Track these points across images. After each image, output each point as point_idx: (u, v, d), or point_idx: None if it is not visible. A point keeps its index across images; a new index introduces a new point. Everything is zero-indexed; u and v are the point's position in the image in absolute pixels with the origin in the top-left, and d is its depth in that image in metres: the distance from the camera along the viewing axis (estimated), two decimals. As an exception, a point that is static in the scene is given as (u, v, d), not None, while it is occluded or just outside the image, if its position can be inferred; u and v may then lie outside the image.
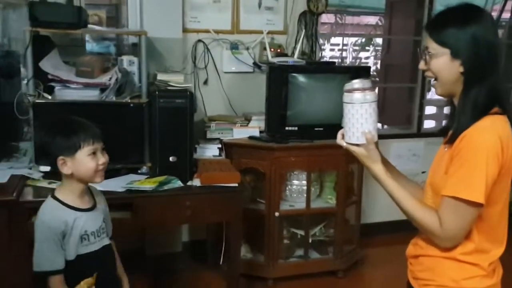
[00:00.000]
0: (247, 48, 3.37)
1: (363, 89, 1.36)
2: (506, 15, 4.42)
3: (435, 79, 1.37)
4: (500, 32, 4.65)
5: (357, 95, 1.35)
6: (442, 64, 1.33)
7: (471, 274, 1.35)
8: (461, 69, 1.31)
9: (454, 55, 1.31)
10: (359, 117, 1.36)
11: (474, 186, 1.24)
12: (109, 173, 2.62)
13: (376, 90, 1.42)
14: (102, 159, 1.69)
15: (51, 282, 1.63)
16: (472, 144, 1.26)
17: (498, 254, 1.39)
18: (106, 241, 1.77)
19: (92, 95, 2.58)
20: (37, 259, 1.62)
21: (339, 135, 1.43)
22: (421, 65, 1.40)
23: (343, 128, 1.42)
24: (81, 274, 1.67)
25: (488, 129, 1.27)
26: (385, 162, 1.45)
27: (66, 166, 1.63)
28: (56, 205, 1.65)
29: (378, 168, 1.39)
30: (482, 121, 1.29)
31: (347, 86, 1.39)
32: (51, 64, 2.57)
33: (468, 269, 1.35)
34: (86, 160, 1.63)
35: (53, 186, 2.38)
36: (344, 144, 1.41)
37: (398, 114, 4.22)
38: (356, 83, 1.38)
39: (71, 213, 1.65)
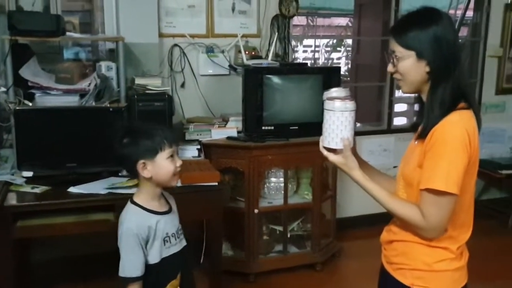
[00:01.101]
0: (223, 51, 3.44)
1: (344, 98, 1.45)
2: (470, 13, 4.62)
3: (402, 79, 1.47)
4: (465, 29, 4.86)
5: (338, 103, 1.42)
6: (409, 66, 1.41)
7: (441, 257, 1.44)
8: (427, 69, 1.39)
9: (420, 56, 1.39)
10: (339, 124, 1.42)
11: (448, 177, 1.31)
12: (91, 176, 2.70)
13: None
14: (179, 161, 1.69)
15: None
16: (443, 139, 1.33)
17: (466, 239, 1.48)
18: (184, 242, 1.78)
19: (72, 100, 2.63)
20: (123, 265, 1.63)
21: (321, 143, 1.50)
22: (390, 68, 1.47)
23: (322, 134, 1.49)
24: (165, 276, 1.69)
25: (457, 124, 1.34)
26: (362, 163, 1.54)
27: (146, 169, 1.63)
28: (138, 210, 1.67)
29: (357, 174, 1.46)
30: (451, 116, 1.36)
31: (327, 94, 1.48)
32: (31, 72, 2.62)
33: (439, 252, 1.44)
34: (165, 163, 1.64)
35: (36, 190, 2.43)
36: (325, 152, 1.48)
37: (369, 112, 4.37)
38: (335, 91, 1.47)
39: (152, 217, 1.66)
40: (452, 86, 1.38)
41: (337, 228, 3.61)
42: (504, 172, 4.18)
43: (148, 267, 1.65)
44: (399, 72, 1.44)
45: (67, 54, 3.19)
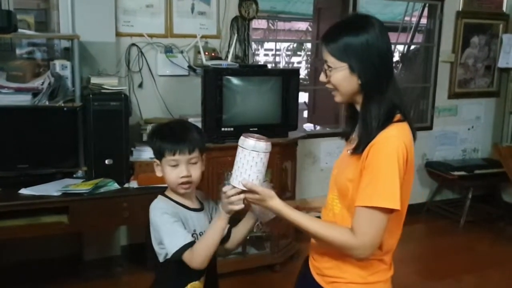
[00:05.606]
0: (182, 52, 3.41)
1: (258, 138, 1.39)
2: (424, 20, 4.78)
3: (335, 90, 1.41)
4: (420, 36, 5.01)
5: (250, 142, 1.38)
6: (342, 78, 1.36)
7: (376, 269, 1.42)
8: (360, 81, 1.34)
9: (352, 68, 1.34)
10: (245, 163, 1.39)
11: (390, 194, 1.27)
12: (44, 177, 2.62)
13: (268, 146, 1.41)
14: (184, 172, 1.57)
15: (186, 257, 1.51)
16: (383, 154, 1.29)
17: (394, 248, 1.47)
18: None
19: (24, 99, 2.55)
20: (170, 241, 1.52)
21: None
22: (322, 78, 1.42)
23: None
24: (187, 275, 1.59)
25: (396, 138, 1.30)
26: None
27: (158, 169, 1.63)
28: (165, 200, 1.63)
29: (275, 203, 1.41)
30: (388, 130, 1.32)
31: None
32: (-21, 69, 2.52)
33: (373, 264, 1.41)
34: (167, 169, 1.59)
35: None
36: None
37: (328, 115, 4.44)
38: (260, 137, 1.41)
39: (180, 210, 1.61)
40: (386, 100, 1.34)
41: (295, 229, 3.62)
42: (456, 173, 4.33)
43: (169, 262, 1.56)
44: (331, 83, 1.39)
45: (21, 52, 3.09)
